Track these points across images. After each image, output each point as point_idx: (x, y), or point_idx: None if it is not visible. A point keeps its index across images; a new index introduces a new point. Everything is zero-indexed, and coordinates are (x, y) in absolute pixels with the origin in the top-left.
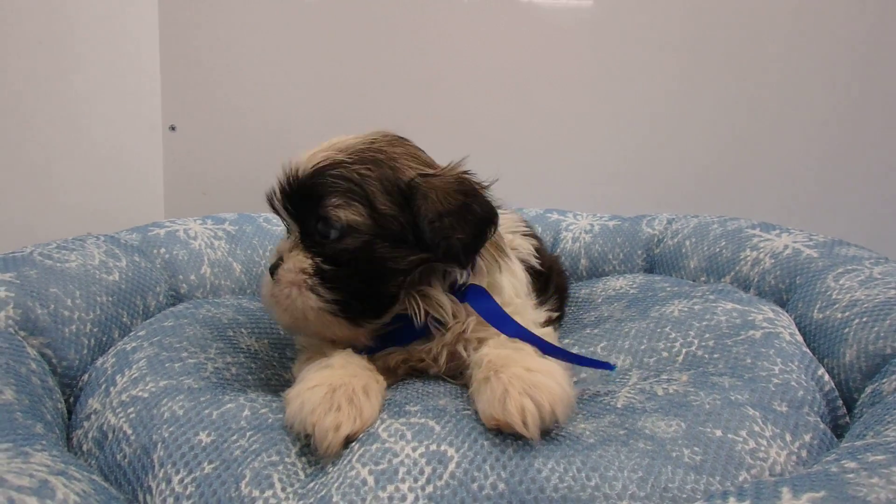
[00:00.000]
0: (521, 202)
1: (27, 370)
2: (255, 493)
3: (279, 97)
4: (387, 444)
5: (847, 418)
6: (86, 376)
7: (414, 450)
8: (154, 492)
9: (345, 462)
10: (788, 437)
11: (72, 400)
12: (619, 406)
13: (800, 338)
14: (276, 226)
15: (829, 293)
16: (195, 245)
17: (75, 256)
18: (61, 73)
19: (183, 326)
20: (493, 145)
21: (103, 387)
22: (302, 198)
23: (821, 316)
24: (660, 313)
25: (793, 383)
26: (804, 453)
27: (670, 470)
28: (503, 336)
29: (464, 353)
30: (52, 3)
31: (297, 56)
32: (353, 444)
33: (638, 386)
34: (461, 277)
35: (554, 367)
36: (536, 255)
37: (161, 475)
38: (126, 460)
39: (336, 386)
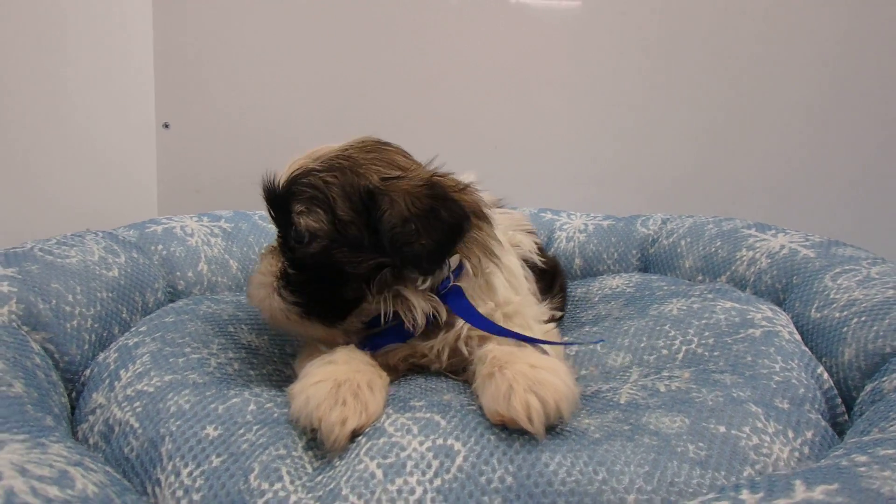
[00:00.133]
0: (514, 202)
1: (32, 364)
2: (265, 485)
3: (273, 95)
4: (394, 439)
5: (846, 416)
6: (88, 371)
7: (421, 444)
8: (163, 484)
9: (353, 456)
10: (791, 434)
11: (74, 395)
12: (622, 402)
13: (798, 337)
14: (271, 224)
15: (826, 293)
16: (192, 242)
17: (75, 252)
18: (54, 70)
19: (184, 322)
20: (487, 145)
21: (107, 382)
22: (279, 205)
23: (819, 315)
24: (658, 312)
25: (793, 381)
26: (806, 450)
27: (676, 465)
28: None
29: (464, 351)
30: (45, 3)
31: (290, 54)
32: (360, 438)
33: (639, 383)
34: (452, 279)
35: (558, 364)
36: (539, 252)
37: (170, 468)
38: (133, 453)
39: (341, 381)
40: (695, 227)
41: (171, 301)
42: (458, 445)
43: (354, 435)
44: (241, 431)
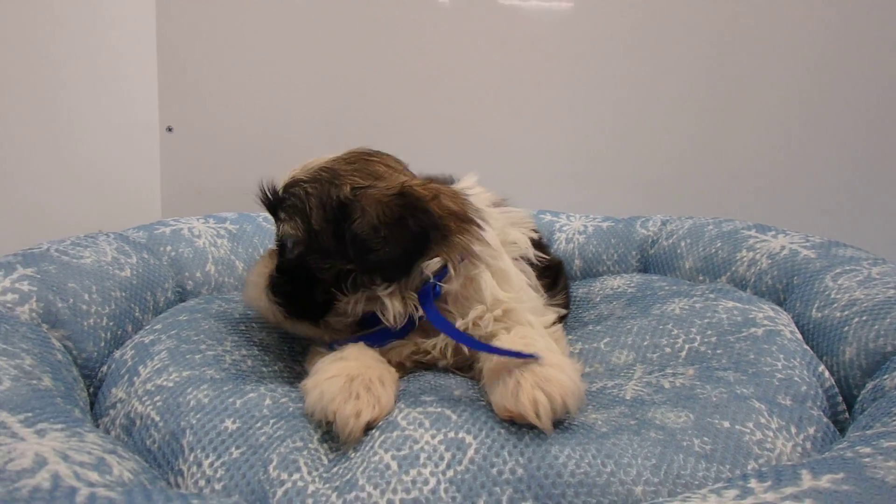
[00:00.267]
0: (514, 203)
1: (55, 360)
2: (284, 475)
3: (276, 99)
4: (406, 432)
5: (846, 414)
6: (105, 368)
7: (433, 437)
8: (186, 474)
9: (367, 448)
10: (793, 430)
11: (91, 390)
12: (627, 398)
13: (800, 336)
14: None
15: (827, 293)
16: (199, 243)
17: (89, 253)
18: (58, 74)
19: (198, 321)
20: (486, 146)
21: (126, 377)
22: (273, 212)
23: (819, 315)
24: (661, 311)
25: (795, 378)
26: (808, 445)
27: (682, 458)
28: (512, 332)
29: (464, 350)
30: (49, 5)
31: (293, 58)
32: (374, 431)
33: (644, 380)
34: (433, 281)
35: (564, 361)
36: (539, 248)
37: (192, 459)
38: (155, 445)
39: (353, 376)
40: (695, 229)
41: (181, 300)
42: (469, 438)
43: (368, 428)
44: (259, 425)
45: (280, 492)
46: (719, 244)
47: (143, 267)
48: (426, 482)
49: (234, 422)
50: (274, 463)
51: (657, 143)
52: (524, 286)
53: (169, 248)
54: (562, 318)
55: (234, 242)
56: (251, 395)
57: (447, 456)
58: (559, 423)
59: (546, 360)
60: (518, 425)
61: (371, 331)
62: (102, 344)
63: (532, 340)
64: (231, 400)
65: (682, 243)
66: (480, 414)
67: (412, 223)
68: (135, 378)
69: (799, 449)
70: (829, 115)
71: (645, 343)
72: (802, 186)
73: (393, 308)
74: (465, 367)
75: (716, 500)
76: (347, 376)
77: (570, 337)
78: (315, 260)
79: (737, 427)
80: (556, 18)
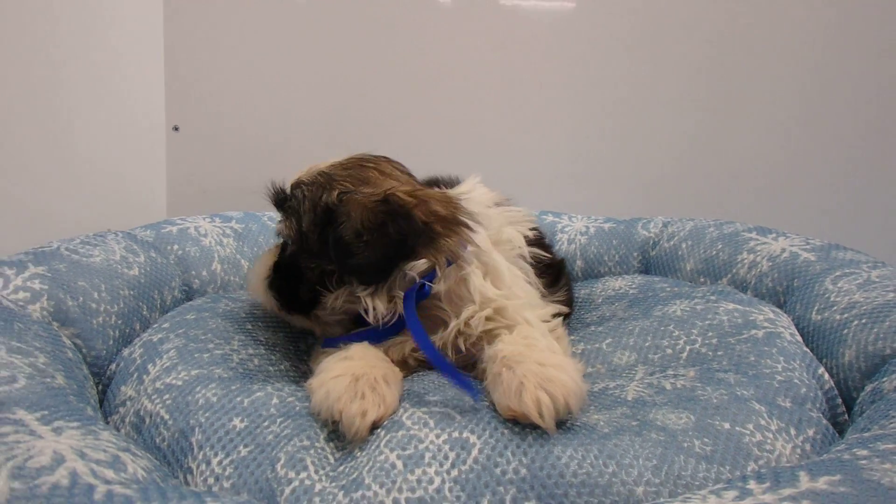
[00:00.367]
0: (516, 203)
1: (67, 358)
2: (291, 474)
3: (282, 98)
4: (411, 431)
5: (846, 416)
6: (113, 366)
7: (437, 436)
8: (195, 472)
9: (373, 447)
10: (793, 431)
11: (100, 388)
12: (629, 399)
13: (799, 338)
14: None
15: (827, 295)
16: (206, 242)
17: (98, 251)
18: (65, 73)
19: (205, 320)
20: (487, 147)
21: (135, 375)
22: (279, 210)
23: (819, 317)
24: (662, 312)
25: (795, 381)
26: (808, 447)
27: (682, 459)
28: (514, 332)
29: (463, 348)
30: (53, 5)
31: (298, 58)
32: (380, 430)
33: (645, 381)
34: (419, 282)
35: (566, 361)
36: (538, 245)
37: (201, 457)
38: (165, 443)
39: (358, 375)
40: (696, 230)
41: (187, 299)
42: (473, 438)
43: (373, 427)
44: (266, 424)
45: (288, 490)
46: (720, 246)
47: (151, 265)
48: (431, 481)
49: (242, 420)
50: (281, 461)
51: (658, 144)
52: (518, 283)
53: (176, 246)
54: (564, 318)
55: (240, 241)
56: (259, 393)
57: (451, 455)
58: (562, 424)
59: (548, 360)
60: (521, 425)
61: (365, 328)
62: (111, 342)
63: (534, 341)
64: (239, 399)
65: (684, 245)
66: (484, 414)
67: (392, 229)
68: (144, 376)
69: (798, 451)
70: (830, 116)
71: (646, 344)
72: (803, 187)
73: (374, 307)
74: (468, 366)
75: (715, 500)
76: (352, 375)
77: (572, 337)
78: (304, 259)
79: (737, 428)
80: (557, 19)
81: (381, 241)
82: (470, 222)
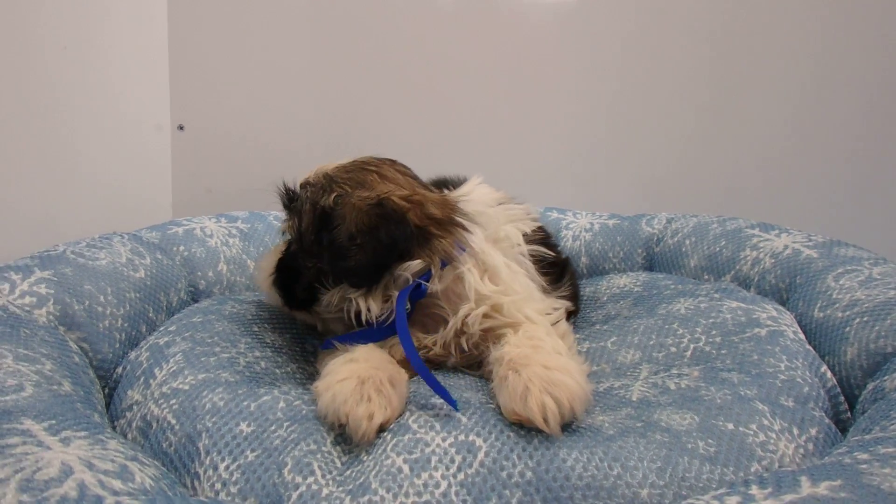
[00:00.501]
0: (520, 201)
1: (73, 363)
2: (298, 479)
3: (287, 97)
4: (418, 435)
5: (849, 414)
6: (119, 369)
7: (444, 440)
8: (202, 477)
9: (380, 451)
10: (796, 431)
11: (107, 392)
12: (634, 399)
13: (802, 336)
14: None
15: (829, 293)
16: (211, 243)
17: (104, 255)
18: (70, 72)
19: (212, 322)
20: (491, 145)
21: (142, 379)
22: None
23: (822, 315)
24: (667, 311)
25: (798, 380)
26: (810, 446)
27: (687, 460)
28: (520, 333)
29: (465, 347)
30: (59, 4)
31: (305, 56)
32: (386, 434)
33: (650, 380)
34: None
35: (571, 364)
36: (544, 245)
37: (208, 462)
38: (172, 448)
39: (364, 378)
40: (699, 227)
41: (193, 300)
42: (479, 441)
43: (380, 429)
44: (273, 428)
45: (295, 495)
46: (723, 243)
47: (157, 267)
48: (437, 485)
49: (248, 425)
50: (288, 466)
51: (661, 140)
52: (517, 279)
53: (182, 247)
54: (569, 315)
55: (246, 242)
56: (265, 397)
57: (458, 459)
58: (567, 426)
59: (554, 363)
60: (527, 428)
61: (363, 328)
62: (117, 345)
63: (540, 342)
64: (246, 403)
65: (687, 241)
66: (490, 417)
67: (383, 233)
68: (151, 380)
69: (801, 450)
70: (833, 112)
71: (651, 342)
72: (805, 182)
73: (368, 308)
74: (474, 366)
75: None
76: (359, 378)
77: (578, 336)
78: (302, 258)
79: (741, 429)
80: (560, 16)
81: (373, 245)
82: (465, 223)
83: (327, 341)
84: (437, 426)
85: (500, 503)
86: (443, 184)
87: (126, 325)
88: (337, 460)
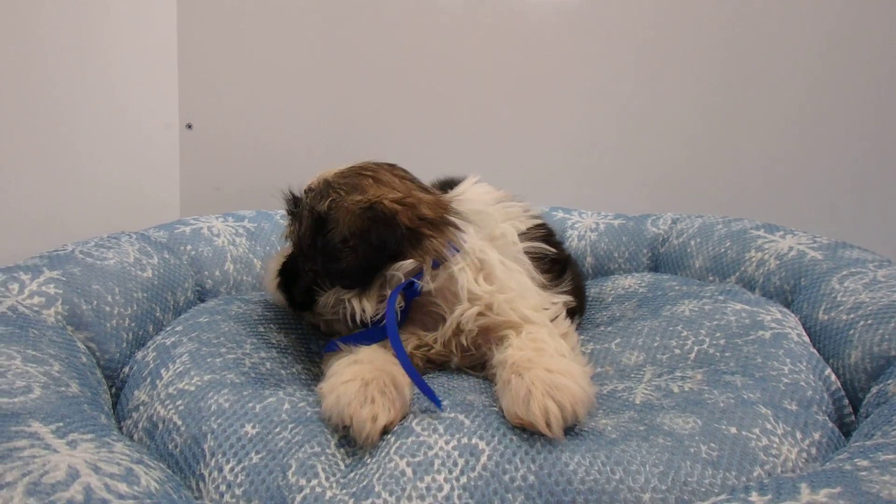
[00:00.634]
0: (522, 200)
1: (81, 364)
2: (302, 481)
3: (295, 96)
4: (421, 438)
5: (853, 417)
6: (126, 369)
7: (447, 443)
8: (207, 479)
9: (383, 454)
10: (799, 435)
11: (114, 391)
12: (637, 403)
13: (807, 338)
14: None
15: (833, 295)
16: (218, 242)
17: (112, 254)
18: (77, 71)
19: (218, 322)
20: (496, 145)
21: (148, 380)
22: None
23: (826, 317)
24: (671, 312)
25: (802, 383)
26: (814, 451)
27: (689, 465)
28: (523, 335)
29: (465, 344)
30: (70, 4)
31: (313, 55)
32: (390, 436)
33: (653, 383)
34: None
35: (574, 367)
36: (547, 242)
37: (213, 464)
38: (177, 449)
39: (368, 380)
40: (704, 228)
41: (200, 299)
42: (482, 445)
43: (384, 431)
44: (278, 430)
45: (299, 497)
46: (728, 244)
47: (164, 267)
48: (440, 489)
49: (253, 427)
50: (293, 468)
51: (667, 140)
52: (512, 277)
53: (189, 247)
54: (575, 315)
55: (253, 241)
56: (270, 399)
57: (461, 462)
58: (570, 430)
59: (557, 366)
60: (529, 431)
61: (363, 330)
62: (125, 345)
63: (543, 344)
64: (251, 405)
65: (692, 242)
66: (493, 420)
67: (374, 236)
68: (157, 381)
69: (804, 455)
70: (839, 113)
71: (655, 344)
72: (811, 184)
73: (362, 309)
74: (477, 367)
75: None
76: (363, 380)
77: (582, 337)
78: (301, 261)
79: (743, 433)
80: (567, 15)
81: (364, 247)
82: (458, 222)
83: (330, 344)
84: (441, 429)
85: None
86: (449, 184)
87: (133, 324)
88: (341, 463)
